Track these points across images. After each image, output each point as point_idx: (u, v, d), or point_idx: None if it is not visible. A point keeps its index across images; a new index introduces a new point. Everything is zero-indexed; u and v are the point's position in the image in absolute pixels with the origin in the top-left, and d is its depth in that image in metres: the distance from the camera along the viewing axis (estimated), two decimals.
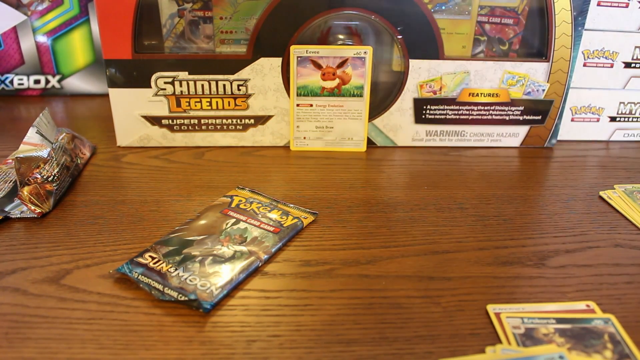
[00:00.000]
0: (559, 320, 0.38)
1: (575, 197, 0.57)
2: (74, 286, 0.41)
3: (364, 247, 0.47)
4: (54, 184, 0.52)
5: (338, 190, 0.57)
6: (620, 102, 0.70)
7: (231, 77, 0.63)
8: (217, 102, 0.64)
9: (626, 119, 0.72)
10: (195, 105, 0.64)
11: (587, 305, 0.40)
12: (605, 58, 0.68)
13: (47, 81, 0.85)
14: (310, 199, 0.55)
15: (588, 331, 0.37)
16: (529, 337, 0.37)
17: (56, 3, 0.80)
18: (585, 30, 0.66)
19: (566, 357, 0.34)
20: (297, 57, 0.62)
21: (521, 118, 0.68)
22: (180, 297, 0.39)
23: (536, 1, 0.64)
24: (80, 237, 0.48)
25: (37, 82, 0.84)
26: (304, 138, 0.66)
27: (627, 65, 0.68)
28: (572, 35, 0.63)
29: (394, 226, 0.50)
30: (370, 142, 0.68)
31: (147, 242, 0.47)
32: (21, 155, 0.50)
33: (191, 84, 0.63)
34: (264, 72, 0.63)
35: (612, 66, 0.68)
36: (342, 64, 0.62)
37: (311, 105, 0.64)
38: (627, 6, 0.65)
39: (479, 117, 0.67)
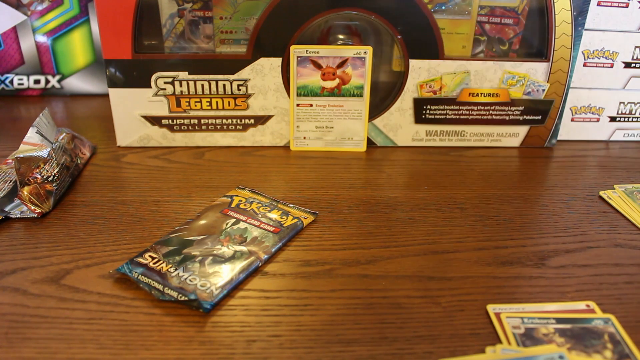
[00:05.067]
0: (559, 320, 0.38)
1: (575, 197, 0.57)
2: (74, 286, 0.41)
3: (364, 247, 0.47)
4: (54, 184, 0.52)
5: (338, 190, 0.57)
6: (620, 102, 0.70)
7: (231, 77, 0.63)
8: (217, 102, 0.64)
9: (626, 119, 0.72)
10: (195, 105, 0.64)
11: (587, 305, 0.40)
12: (605, 58, 0.68)
13: (47, 81, 0.85)
14: (310, 199, 0.55)
15: (588, 331, 0.37)
16: (529, 337, 0.37)
17: (56, 3, 0.80)
18: (585, 30, 0.66)
19: (566, 357, 0.34)
20: (297, 57, 0.62)
21: (521, 118, 0.68)
22: (180, 297, 0.39)
23: (536, 1, 0.64)
24: (80, 237, 0.48)
25: (37, 82, 0.84)
26: (304, 138, 0.66)
27: (627, 65, 0.68)
28: (572, 35, 0.63)
29: (394, 226, 0.50)
30: (370, 142, 0.68)
31: (147, 242, 0.47)
32: (21, 155, 0.50)
33: (191, 84, 0.63)
34: (264, 72, 0.63)
35: (612, 66, 0.68)
36: (342, 64, 0.62)
37: (311, 105, 0.64)
38: (627, 6, 0.65)
39: (479, 117, 0.67)
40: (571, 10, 0.62)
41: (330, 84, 0.63)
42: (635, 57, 0.68)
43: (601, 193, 0.58)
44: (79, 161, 0.60)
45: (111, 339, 0.36)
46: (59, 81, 0.85)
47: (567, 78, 0.65)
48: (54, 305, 0.39)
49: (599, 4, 0.65)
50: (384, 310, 0.39)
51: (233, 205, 0.52)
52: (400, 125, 0.67)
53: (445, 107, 0.66)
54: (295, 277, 0.43)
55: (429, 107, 0.66)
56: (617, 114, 0.71)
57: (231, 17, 0.64)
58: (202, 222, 0.49)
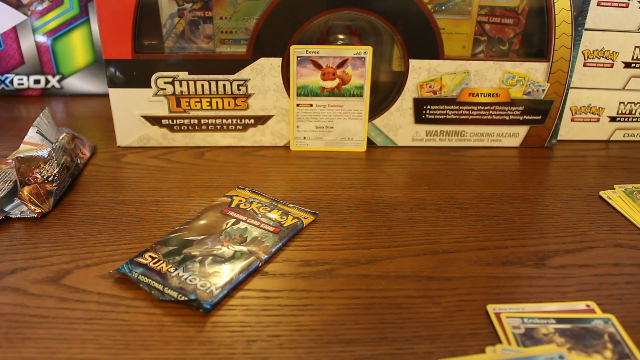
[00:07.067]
0: (559, 320, 0.38)
1: (575, 197, 0.57)
2: (74, 286, 0.41)
3: (364, 247, 0.47)
4: (54, 184, 0.52)
5: (338, 190, 0.57)
6: (620, 102, 0.70)
7: (231, 77, 0.63)
8: (217, 102, 0.64)
9: (626, 119, 0.72)
10: (195, 105, 0.64)
11: (587, 305, 0.40)
12: (605, 58, 0.68)
13: (47, 81, 0.85)
14: (310, 199, 0.55)
15: (588, 331, 0.37)
16: (529, 337, 0.37)
17: (56, 3, 0.80)
18: (585, 30, 0.66)
19: (566, 357, 0.34)
20: (297, 57, 0.62)
21: (521, 118, 0.68)
22: (180, 297, 0.39)
23: (536, 1, 0.64)
24: (80, 237, 0.48)
25: (37, 82, 0.84)
26: (304, 138, 0.66)
27: (627, 65, 0.68)
28: (572, 35, 0.63)
29: (394, 226, 0.50)
30: (370, 142, 0.68)
31: (147, 242, 0.47)
32: (21, 155, 0.50)
33: (191, 84, 0.63)
34: (264, 72, 0.63)
35: (612, 66, 0.68)
36: (342, 64, 0.62)
37: (311, 105, 0.64)
38: (627, 6, 0.65)
39: (479, 117, 0.67)
40: (571, 10, 0.62)
41: (330, 84, 0.63)
42: (635, 57, 0.68)
43: (601, 193, 0.58)
44: (79, 161, 0.60)
45: (111, 339, 0.36)
46: (59, 81, 0.85)
47: (567, 78, 0.65)
48: (54, 305, 0.39)
49: (599, 4, 0.65)
50: (384, 310, 0.39)
51: (233, 205, 0.52)
52: (400, 125, 0.67)
53: (445, 107, 0.66)
54: (295, 277, 0.43)
55: (429, 107, 0.66)
56: (617, 114, 0.71)
57: (231, 17, 0.64)
58: (202, 222, 0.49)
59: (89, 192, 0.56)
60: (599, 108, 0.71)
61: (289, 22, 0.61)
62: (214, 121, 0.65)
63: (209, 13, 0.64)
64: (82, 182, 0.58)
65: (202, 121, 0.65)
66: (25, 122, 0.74)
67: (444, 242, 0.48)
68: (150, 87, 0.63)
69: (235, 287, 0.41)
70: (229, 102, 0.64)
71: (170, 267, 0.42)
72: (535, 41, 0.65)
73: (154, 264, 0.42)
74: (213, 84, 0.63)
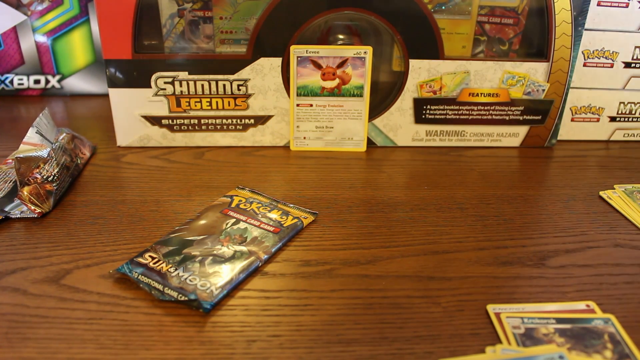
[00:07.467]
0: (559, 320, 0.38)
1: (575, 197, 0.57)
2: (74, 286, 0.41)
3: (364, 247, 0.47)
4: (54, 184, 0.52)
5: (338, 190, 0.57)
6: (620, 102, 0.70)
7: (231, 77, 0.63)
8: (217, 102, 0.64)
9: (626, 119, 0.72)
10: (195, 105, 0.64)
11: (587, 305, 0.40)
12: (605, 58, 0.68)
13: (47, 81, 0.85)
14: (310, 199, 0.55)
15: (588, 331, 0.37)
16: (529, 337, 0.37)
17: (56, 3, 0.80)
18: (585, 30, 0.66)
19: (566, 357, 0.34)
20: (297, 57, 0.62)
21: (521, 118, 0.68)
22: (180, 297, 0.39)
23: (536, 1, 0.64)
24: (80, 237, 0.48)
25: (37, 82, 0.84)
26: (304, 138, 0.66)
27: (627, 65, 0.68)
28: (572, 35, 0.63)
29: (394, 226, 0.50)
30: (370, 142, 0.68)
31: (147, 242, 0.47)
32: (21, 155, 0.50)
33: (191, 84, 0.63)
34: (264, 72, 0.63)
35: (612, 66, 0.68)
36: (342, 64, 0.62)
37: (311, 105, 0.64)
38: (627, 6, 0.65)
39: (479, 117, 0.67)
40: (571, 10, 0.62)
41: (330, 84, 0.63)
42: (635, 57, 0.68)
43: (601, 193, 0.58)
44: (79, 161, 0.60)
45: (111, 339, 0.36)
46: (59, 81, 0.85)
47: (567, 78, 0.65)
48: (54, 305, 0.39)
49: (599, 4, 0.65)
50: (384, 310, 0.39)
51: (233, 205, 0.52)
52: (400, 125, 0.67)
53: (445, 107, 0.66)
54: (295, 277, 0.43)
55: (429, 107, 0.66)
56: (617, 114, 0.71)
57: (231, 17, 0.64)
58: (202, 222, 0.49)
59: (89, 192, 0.56)
60: (599, 108, 0.71)
61: (289, 22, 0.61)
62: (214, 121, 0.65)
63: (209, 13, 0.64)
64: (82, 182, 0.58)
65: (202, 121, 0.65)
66: (25, 122, 0.74)
67: (444, 242, 0.48)
68: (150, 87, 0.63)
69: (235, 287, 0.41)
70: (229, 102, 0.64)
71: (170, 267, 0.42)
72: (535, 41, 0.65)
73: (154, 264, 0.42)
74: (213, 84, 0.63)
